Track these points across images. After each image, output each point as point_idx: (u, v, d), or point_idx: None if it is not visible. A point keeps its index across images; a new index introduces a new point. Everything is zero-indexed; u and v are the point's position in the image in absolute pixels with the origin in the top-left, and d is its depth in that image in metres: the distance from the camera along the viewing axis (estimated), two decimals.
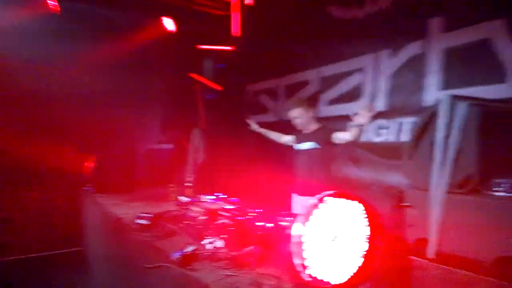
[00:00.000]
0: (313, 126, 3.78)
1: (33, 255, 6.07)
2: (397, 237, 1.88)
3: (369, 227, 1.70)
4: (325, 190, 1.90)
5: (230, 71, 7.29)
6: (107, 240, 3.90)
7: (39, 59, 5.87)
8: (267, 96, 6.51)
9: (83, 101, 6.15)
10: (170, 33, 6.60)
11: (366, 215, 1.73)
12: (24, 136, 5.70)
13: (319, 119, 3.95)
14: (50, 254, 6.13)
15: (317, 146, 3.65)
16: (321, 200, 1.96)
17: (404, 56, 4.12)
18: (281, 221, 2.52)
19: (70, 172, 5.73)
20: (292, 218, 2.54)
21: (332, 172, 3.62)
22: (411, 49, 4.04)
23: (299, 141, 3.84)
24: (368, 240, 1.68)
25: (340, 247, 1.79)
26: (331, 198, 1.93)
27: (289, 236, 1.99)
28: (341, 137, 3.48)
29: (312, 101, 3.54)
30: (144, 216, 3.02)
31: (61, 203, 6.28)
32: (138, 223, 3.01)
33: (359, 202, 1.79)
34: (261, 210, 3.02)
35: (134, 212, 3.52)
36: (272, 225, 2.43)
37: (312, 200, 1.96)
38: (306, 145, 3.75)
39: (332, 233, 1.85)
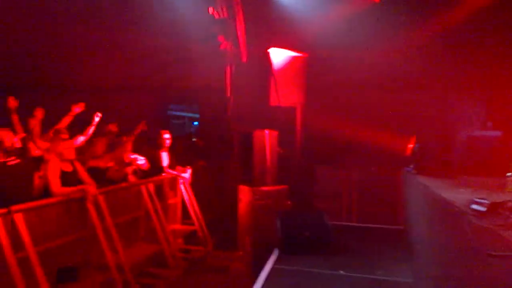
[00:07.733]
0: None
1: (360, 224, 7.18)
2: None
3: None
4: None
5: None
6: (433, 222, 3.98)
7: (360, 47, 6.61)
8: None
9: (398, 85, 6.50)
10: None
11: None
12: (347, 119, 6.61)
13: None
14: (376, 227, 7.05)
15: None
16: None
17: None
18: None
19: (392, 153, 6.21)
20: None
21: None
22: None
23: None
24: None
25: None
26: None
27: None
28: None
29: None
30: (482, 202, 2.88)
31: (383, 182, 6.92)
32: (474, 209, 2.90)
33: None
34: None
35: (463, 197, 3.42)
36: None
37: None
38: None
39: None
